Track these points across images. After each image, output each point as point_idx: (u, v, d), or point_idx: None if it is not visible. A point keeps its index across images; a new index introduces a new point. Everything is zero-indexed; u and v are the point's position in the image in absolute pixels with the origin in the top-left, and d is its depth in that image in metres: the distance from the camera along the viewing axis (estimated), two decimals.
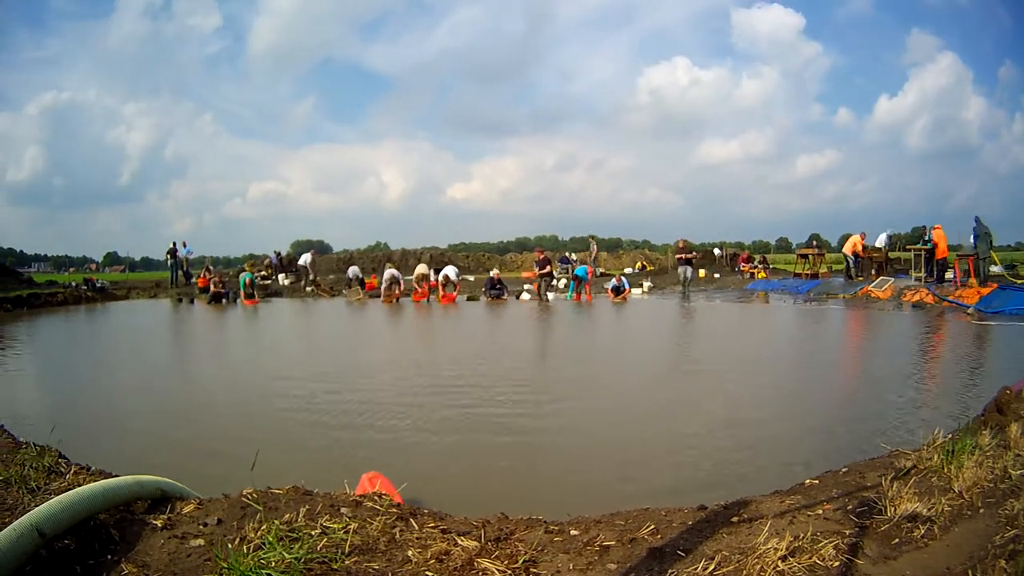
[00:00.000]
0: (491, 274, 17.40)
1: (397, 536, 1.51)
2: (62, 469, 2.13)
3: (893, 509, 1.81)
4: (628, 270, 24.11)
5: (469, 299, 16.43)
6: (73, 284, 20.01)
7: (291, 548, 1.51)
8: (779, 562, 1.59)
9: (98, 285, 20.02)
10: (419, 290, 15.95)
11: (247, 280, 17.27)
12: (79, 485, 1.90)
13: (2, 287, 16.81)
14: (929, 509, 1.91)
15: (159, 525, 1.71)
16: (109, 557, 1.88)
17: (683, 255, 17.38)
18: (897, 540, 1.86)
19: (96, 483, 1.81)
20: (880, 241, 17.26)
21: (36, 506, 2.02)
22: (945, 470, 1.97)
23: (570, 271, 22.67)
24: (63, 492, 1.96)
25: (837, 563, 1.68)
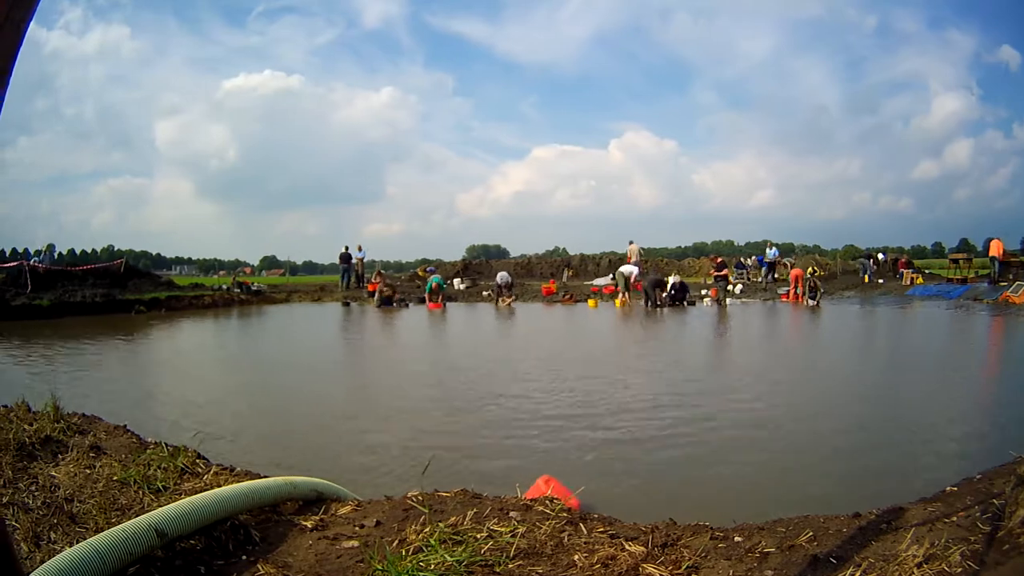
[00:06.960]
0: (672, 279, 17.17)
1: (565, 540, 1.56)
2: (199, 470, 2.15)
3: (1010, 516, 1.88)
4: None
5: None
6: (223, 287, 18.75)
7: (453, 551, 1.55)
8: (915, 569, 1.66)
9: (253, 288, 18.92)
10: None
11: (435, 284, 16.87)
12: (219, 486, 1.93)
13: (134, 289, 15.90)
14: None
15: (309, 526, 1.75)
16: (244, 557, 1.91)
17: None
18: (1008, 546, 1.94)
19: (238, 484, 1.84)
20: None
21: (159, 506, 2.05)
22: None
23: (746, 275, 22.84)
24: (198, 492, 1.99)
25: (960, 569, 1.76)
